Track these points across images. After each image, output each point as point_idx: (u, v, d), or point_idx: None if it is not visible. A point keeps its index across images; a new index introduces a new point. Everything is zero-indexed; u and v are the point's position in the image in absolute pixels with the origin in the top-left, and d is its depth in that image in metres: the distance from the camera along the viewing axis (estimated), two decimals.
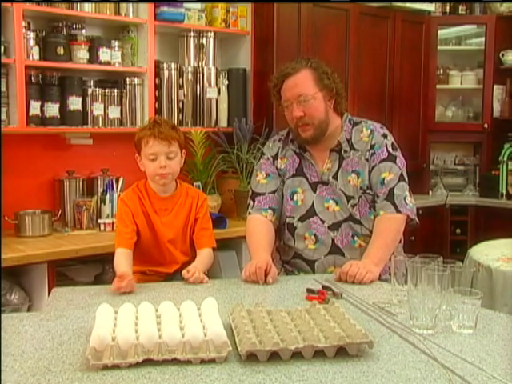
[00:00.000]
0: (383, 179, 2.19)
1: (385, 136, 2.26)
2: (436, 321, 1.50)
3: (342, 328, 1.39)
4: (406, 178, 2.24)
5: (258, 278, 1.97)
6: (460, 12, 4.68)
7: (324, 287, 1.88)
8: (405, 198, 2.18)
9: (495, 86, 4.48)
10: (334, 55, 3.84)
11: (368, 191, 2.22)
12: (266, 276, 1.98)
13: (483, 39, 4.49)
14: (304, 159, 2.29)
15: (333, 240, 2.21)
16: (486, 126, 4.49)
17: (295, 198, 2.27)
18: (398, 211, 2.16)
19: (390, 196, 2.17)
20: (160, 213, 2.19)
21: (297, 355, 1.32)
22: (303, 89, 2.17)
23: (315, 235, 2.23)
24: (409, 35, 4.33)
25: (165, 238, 2.18)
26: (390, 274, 2.10)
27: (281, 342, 1.32)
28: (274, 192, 2.28)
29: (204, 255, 2.18)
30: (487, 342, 1.45)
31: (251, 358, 1.30)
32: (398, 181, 2.20)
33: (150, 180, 2.20)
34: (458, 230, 4.46)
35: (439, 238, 4.40)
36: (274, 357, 1.31)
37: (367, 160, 2.23)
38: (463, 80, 4.69)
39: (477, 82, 4.62)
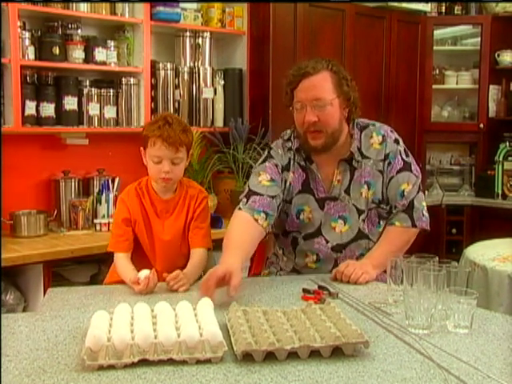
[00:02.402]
0: (403, 191, 2.09)
1: (397, 142, 2.15)
2: (432, 321, 1.50)
3: (337, 328, 1.39)
4: (421, 186, 2.16)
5: (202, 291, 1.69)
6: (456, 12, 4.69)
7: (320, 287, 1.88)
8: (422, 211, 2.12)
9: (491, 86, 4.49)
10: (329, 55, 3.76)
11: (382, 205, 2.11)
12: (230, 284, 1.71)
13: (479, 39, 4.50)
14: (310, 172, 2.12)
15: (335, 260, 2.12)
16: (481, 126, 4.49)
17: (301, 216, 2.12)
18: (414, 225, 2.09)
19: (409, 209, 2.09)
20: (161, 215, 2.09)
21: (292, 355, 1.32)
22: (321, 92, 1.99)
23: (317, 255, 2.13)
24: (405, 35, 4.34)
25: (163, 241, 2.09)
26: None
27: (276, 342, 1.32)
28: (273, 197, 2.04)
29: (196, 258, 2.07)
30: (483, 341, 1.45)
31: (247, 358, 1.30)
32: (417, 192, 2.11)
33: (151, 179, 2.10)
34: (454, 230, 4.46)
35: (435, 237, 4.39)
36: (270, 357, 1.31)
37: (381, 172, 2.10)
38: (459, 80, 4.70)
39: (472, 82, 4.63)
